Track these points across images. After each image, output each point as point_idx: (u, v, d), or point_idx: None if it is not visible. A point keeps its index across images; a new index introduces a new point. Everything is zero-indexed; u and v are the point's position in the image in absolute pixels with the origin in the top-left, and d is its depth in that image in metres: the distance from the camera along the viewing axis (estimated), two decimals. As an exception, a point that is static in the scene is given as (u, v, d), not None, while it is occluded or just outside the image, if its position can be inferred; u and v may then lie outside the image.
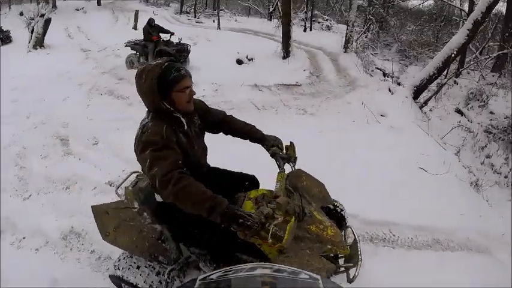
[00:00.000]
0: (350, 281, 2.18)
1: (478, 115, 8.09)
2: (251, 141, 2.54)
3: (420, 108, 7.38)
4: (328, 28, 19.64)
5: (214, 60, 9.81)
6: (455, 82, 9.56)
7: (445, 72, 8.37)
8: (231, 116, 2.55)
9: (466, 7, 13.07)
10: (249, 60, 10.25)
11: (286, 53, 10.88)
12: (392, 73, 9.37)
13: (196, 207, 1.74)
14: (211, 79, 8.15)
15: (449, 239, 3.63)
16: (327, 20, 21.36)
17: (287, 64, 10.24)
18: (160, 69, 1.99)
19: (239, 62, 10.18)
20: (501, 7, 12.26)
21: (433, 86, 7.94)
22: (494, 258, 3.51)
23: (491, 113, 8.13)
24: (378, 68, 9.89)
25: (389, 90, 7.65)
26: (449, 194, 4.32)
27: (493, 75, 10.46)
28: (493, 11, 9.39)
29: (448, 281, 2.98)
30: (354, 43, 11.29)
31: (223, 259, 2.29)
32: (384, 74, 9.46)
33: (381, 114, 6.56)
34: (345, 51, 10.94)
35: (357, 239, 2.40)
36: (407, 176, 4.55)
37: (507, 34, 10.70)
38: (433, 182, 4.57)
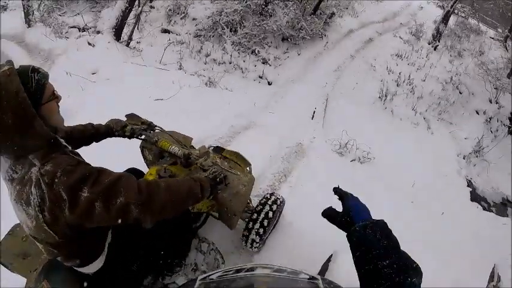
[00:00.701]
0: None
1: (183, 26, 8.23)
2: (97, 141, 2.17)
3: (127, 46, 7.02)
4: (4, 8, 16.71)
5: None
6: (151, 7, 9.35)
7: (137, 1, 8.00)
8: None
9: None
10: None
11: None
12: (86, 25, 8.54)
13: (189, 198, 1.60)
14: None
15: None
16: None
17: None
18: (15, 76, 1.23)
19: None
20: None
21: (131, 20, 7.52)
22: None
23: (193, 19, 8.33)
24: (72, 27, 8.85)
25: (89, 43, 6.94)
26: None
27: None
28: None
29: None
30: (35, 12, 9.71)
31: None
32: (80, 30, 8.55)
33: (92, 73, 5.95)
34: (29, 26, 9.33)
35: None
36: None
37: None
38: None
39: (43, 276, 1.71)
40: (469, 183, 6.08)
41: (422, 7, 15.99)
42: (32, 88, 1.31)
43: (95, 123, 2.20)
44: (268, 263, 1.49)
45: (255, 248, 2.79)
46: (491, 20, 16.28)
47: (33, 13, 9.30)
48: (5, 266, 2.08)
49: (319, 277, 1.39)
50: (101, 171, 1.36)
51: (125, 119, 2.44)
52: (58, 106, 1.47)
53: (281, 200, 2.91)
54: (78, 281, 1.66)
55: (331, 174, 4.46)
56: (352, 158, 5.09)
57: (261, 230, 2.68)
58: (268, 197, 2.81)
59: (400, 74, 8.38)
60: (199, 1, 9.07)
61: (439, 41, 10.98)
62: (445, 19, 11.22)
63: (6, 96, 1.20)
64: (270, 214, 2.69)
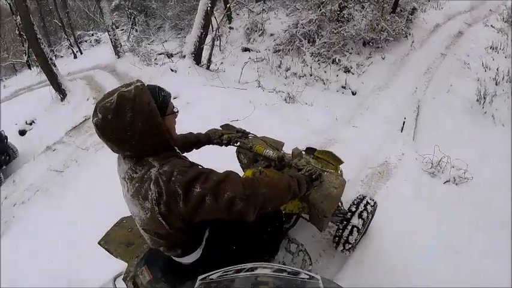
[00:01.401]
0: None
1: (262, 42, 8.30)
2: (197, 148, 2.52)
3: (208, 68, 7.24)
4: (98, 42, 18.51)
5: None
6: (230, 28, 9.63)
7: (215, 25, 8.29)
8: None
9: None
10: (30, 124, 8.69)
11: (61, 93, 9.50)
12: (168, 52, 9.02)
13: (288, 193, 1.71)
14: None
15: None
16: (92, 34, 20.08)
17: (68, 105, 9.01)
18: (147, 90, 1.55)
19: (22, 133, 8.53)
20: None
21: (210, 43, 7.84)
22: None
23: (271, 34, 8.40)
24: (160, 54, 9.42)
25: (172, 70, 7.27)
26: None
27: (258, 5, 10.78)
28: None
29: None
30: (125, 44, 10.58)
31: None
32: (168, 56, 9.05)
33: (173, 97, 6.12)
34: (119, 57, 10.12)
35: None
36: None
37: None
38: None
39: (143, 263, 1.98)
40: None
41: (511, -15, 14.41)
42: (158, 102, 1.57)
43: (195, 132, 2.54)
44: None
45: (346, 250, 2.89)
46: None
47: (121, 45, 10.06)
48: (110, 252, 2.35)
49: (319, 277, 1.42)
50: (211, 171, 1.57)
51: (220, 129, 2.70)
52: (175, 121, 1.74)
53: (374, 202, 2.99)
54: (174, 269, 1.89)
55: (419, 200, 3.87)
56: (446, 178, 4.34)
57: (355, 232, 2.76)
58: (361, 199, 2.91)
59: (497, 69, 7.50)
60: (275, 16, 9.14)
61: (538, 24, 9.76)
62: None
63: (140, 104, 1.48)
64: (364, 215, 2.79)
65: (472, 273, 2.90)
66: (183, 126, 4.57)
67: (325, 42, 7.93)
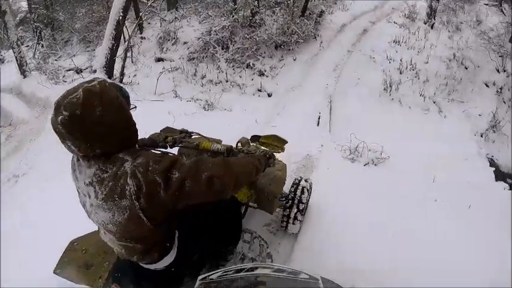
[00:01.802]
0: None
1: (176, 51, 8.28)
2: None
3: (121, 82, 7.09)
4: (1, 61, 17.02)
5: None
6: (142, 38, 9.44)
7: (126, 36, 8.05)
8: None
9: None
10: None
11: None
12: (77, 67, 8.65)
13: (253, 170, 1.85)
14: None
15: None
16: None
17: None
18: (111, 85, 1.53)
19: None
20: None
21: (122, 55, 7.60)
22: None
23: (184, 43, 8.39)
24: (69, 70, 9.00)
25: (82, 85, 6.96)
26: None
27: (170, 13, 10.67)
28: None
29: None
30: (31, 62, 9.91)
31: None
32: (77, 71, 8.69)
33: None
34: (25, 76, 9.44)
35: None
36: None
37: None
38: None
39: (112, 280, 1.93)
40: (491, 162, 5.82)
41: (411, -13, 15.71)
42: (124, 95, 1.58)
43: None
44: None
45: (292, 230, 3.15)
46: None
47: (26, 63, 9.41)
48: (70, 280, 2.24)
49: (319, 277, 1.43)
50: (175, 157, 1.62)
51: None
52: None
53: (310, 182, 3.28)
54: (147, 278, 1.80)
55: (343, 184, 4.17)
56: (365, 161, 4.82)
57: (300, 209, 3.06)
58: (299, 181, 3.16)
59: (401, 60, 8.17)
60: (187, 24, 9.12)
61: (434, 19, 10.67)
62: (437, -6, 10.90)
63: (108, 98, 1.44)
64: (305, 194, 3.10)
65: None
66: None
67: (238, 48, 8.06)
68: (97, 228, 1.83)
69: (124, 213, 1.48)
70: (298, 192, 3.07)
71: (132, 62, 8.34)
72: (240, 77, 7.67)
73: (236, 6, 8.79)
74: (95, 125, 1.40)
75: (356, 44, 9.55)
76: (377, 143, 4.92)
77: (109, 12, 7.64)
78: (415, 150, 5.29)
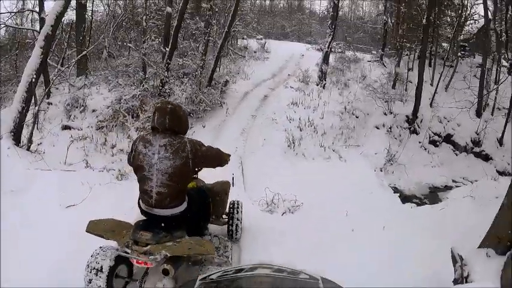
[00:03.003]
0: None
1: (84, 119, 8.07)
2: None
3: (28, 150, 6.49)
4: None
5: None
6: (49, 103, 8.98)
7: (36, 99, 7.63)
8: None
9: (37, 27, 11.41)
10: None
11: None
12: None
13: (226, 159, 3.34)
14: None
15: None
16: None
17: None
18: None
19: None
20: (71, 16, 12.17)
21: (29, 121, 7.02)
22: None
23: (93, 110, 8.25)
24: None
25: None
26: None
27: (79, 79, 10.40)
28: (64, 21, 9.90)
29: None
30: None
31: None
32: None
33: None
34: None
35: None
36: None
37: (81, 38, 11.17)
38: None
39: (139, 228, 2.75)
40: (395, 190, 6.43)
41: (303, 55, 17.65)
42: None
43: None
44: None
45: (236, 237, 4.05)
46: (365, 46, 18.50)
47: None
48: (100, 236, 2.85)
49: (319, 277, 1.46)
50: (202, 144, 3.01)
51: None
52: None
53: (241, 203, 4.24)
54: (166, 222, 2.79)
55: (266, 235, 4.40)
56: (282, 211, 5.13)
57: (239, 224, 4.08)
58: (233, 203, 4.10)
59: (300, 119, 8.95)
60: (97, 92, 9.00)
61: (325, 80, 11.95)
62: (326, 59, 12.23)
63: (183, 110, 3.06)
64: (240, 211, 4.12)
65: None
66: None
67: (149, 117, 8.01)
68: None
69: (181, 159, 2.72)
70: (235, 211, 4.03)
71: (38, 128, 7.76)
72: (152, 145, 7.62)
73: (146, 76, 9.03)
74: (178, 117, 2.84)
75: (259, 109, 10.25)
76: (290, 193, 5.28)
77: (17, 72, 7.17)
78: (325, 193, 5.75)
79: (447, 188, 7.59)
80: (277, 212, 5.11)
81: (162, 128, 2.74)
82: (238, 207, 4.09)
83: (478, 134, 9.44)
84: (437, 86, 10.34)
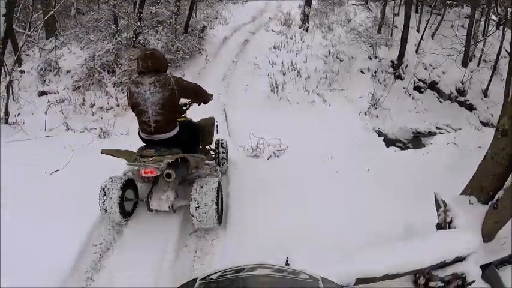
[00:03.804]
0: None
1: (59, 82, 7.78)
2: None
3: (6, 123, 6.38)
4: None
5: None
6: (21, 72, 8.51)
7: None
8: None
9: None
10: None
11: None
12: None
13: (208, 96, 3.87)
14: None
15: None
16: None
17: None
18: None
19: None
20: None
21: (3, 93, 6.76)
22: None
23: (67, 71, 7.81)
24: None
25: None
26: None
27: (49, 41, 9.83)
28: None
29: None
30: None
31: None
32: None
33: None
34: None
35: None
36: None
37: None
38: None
39: (144, 148, 3.44)
40: (379, 133, 6.42)
41: (284, -3, 16.85)
42: None
43: None
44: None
45: (223, 167, 4.51)
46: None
47: None
48: (111, 155, 3.41)
49: (319, 277, 1.44)
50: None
51: None
52: None
53: (223, 139, 4.65)
54: (166, 143, 3.41)
55: (254, 179, 4.46)
56: (267, 155, 5.14)
57: (225, 156, 4.58)
58: (219, 140, 4.57)
59: (282, 63, 8.71)
60: (68, 52, 8.54)
61: (308, 23, 11.56)
62: (308, 1, 11.76)
63: (162, 54, 3.58)
64: (224, 146, 4.60)
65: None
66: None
67: (125, 70, 7.75)
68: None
69: (169, 91, 3.24)
70: (220, 146, 4.52)
71: (14, 99, 7.46)
72: (131, 99, 7.41)
73: (118, 28, 8.57)
74: (158, 58, 3.36)
75: (240, 54, 9.98)
76: (275, 137, 5.29)
77: None
78: (309, 137, 5.74)
79: (431, 134, 7.61)
80: (262, 157, 5.15)
81: (147, 70, 3.30)
82: (223, 143, 4.58)
83: (463, 84, 9.33)
84: (423, 32, 10.09)
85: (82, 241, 3.27)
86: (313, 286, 1.40)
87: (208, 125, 4.31)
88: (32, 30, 9.13)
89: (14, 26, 7.93)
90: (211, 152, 4.55)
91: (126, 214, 3.53)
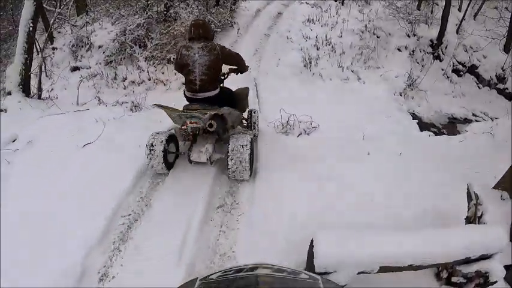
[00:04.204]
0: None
1: (91, 57, 8.01)
2: None
3: (40, 98, 6.50)
4: None
5: None
6: (53, 49, 8.77)
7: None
8: None
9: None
10: None
11: None
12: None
13: (246, 66, 4.34)
14: None
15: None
16: None
17: None
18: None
19: None
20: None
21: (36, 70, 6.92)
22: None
23: (99, 47, 7.90)
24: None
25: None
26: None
27: (80, 18, 9.97)
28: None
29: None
30: None
31: None
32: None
33: (12, 141, 5.06)
34: None
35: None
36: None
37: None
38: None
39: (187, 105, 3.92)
40: (414, 116, 6.20)
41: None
42: None
43: None
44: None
45: (254, 132, 4.84)
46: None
47: None
48: (161, 108, 3.77)
49: (319, 277, 1.45)
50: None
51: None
52: None
53: (255, 110, 4.97)
54: (207, 101, 3.82)
55: (282, 156, 4.41)
56: (298, 132, 5.05)
57: (255, 123, 4.89)
58: (251, 110, 4.89)
59: (316, 37, 8.45)
60: (100, 27, 8.61)
61: (344, -5, 11.12)
62: (343, -28, 11.29)
63: (210, 25, 4.40)
64: (256, 116, 4.92)
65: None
66: (31, 170, 4.39)
67: (156, 44, 7.77)
68: None
69: (214, 56, 3.75)
70: (252, 114, 4.85)
71: (47, 75, 7.65)
72: (163, 73, 7.42)
73: (149, 2, 8.50)
74: (208, 27, 3.90)
75: (272, 27, 9.76)
76: (306, 114, 5.16)
77: (16, 27, 6.88)
78: (342, 115, 5.59)
79: (466, 120, 7.20)
80: (292, 134, 5.07)
81: (197, 36, 3.81)
82: (254, 113, 4.92)
83: (503, 70, 8.76)
84: (465, 12, 9.35)
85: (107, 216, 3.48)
86: (313, 286, 1.42)
87: (243, 94, 4.67)
88: (62, 7, 9.23)
89: (44, 5, 8.04)
90: (244, 121, 4.90)
91: (169, 165, 4.06)
